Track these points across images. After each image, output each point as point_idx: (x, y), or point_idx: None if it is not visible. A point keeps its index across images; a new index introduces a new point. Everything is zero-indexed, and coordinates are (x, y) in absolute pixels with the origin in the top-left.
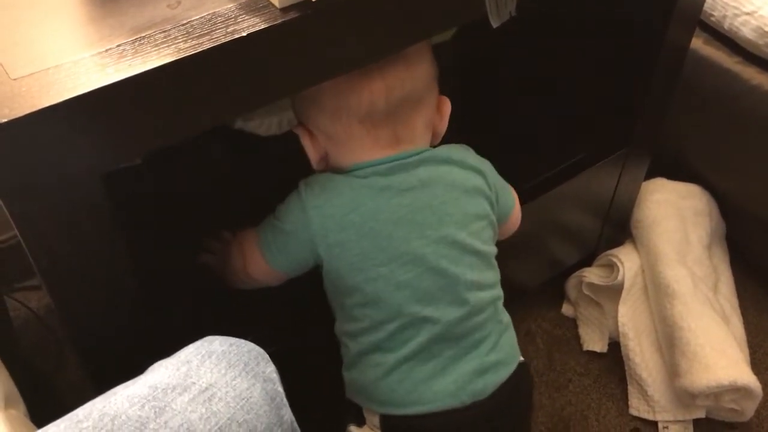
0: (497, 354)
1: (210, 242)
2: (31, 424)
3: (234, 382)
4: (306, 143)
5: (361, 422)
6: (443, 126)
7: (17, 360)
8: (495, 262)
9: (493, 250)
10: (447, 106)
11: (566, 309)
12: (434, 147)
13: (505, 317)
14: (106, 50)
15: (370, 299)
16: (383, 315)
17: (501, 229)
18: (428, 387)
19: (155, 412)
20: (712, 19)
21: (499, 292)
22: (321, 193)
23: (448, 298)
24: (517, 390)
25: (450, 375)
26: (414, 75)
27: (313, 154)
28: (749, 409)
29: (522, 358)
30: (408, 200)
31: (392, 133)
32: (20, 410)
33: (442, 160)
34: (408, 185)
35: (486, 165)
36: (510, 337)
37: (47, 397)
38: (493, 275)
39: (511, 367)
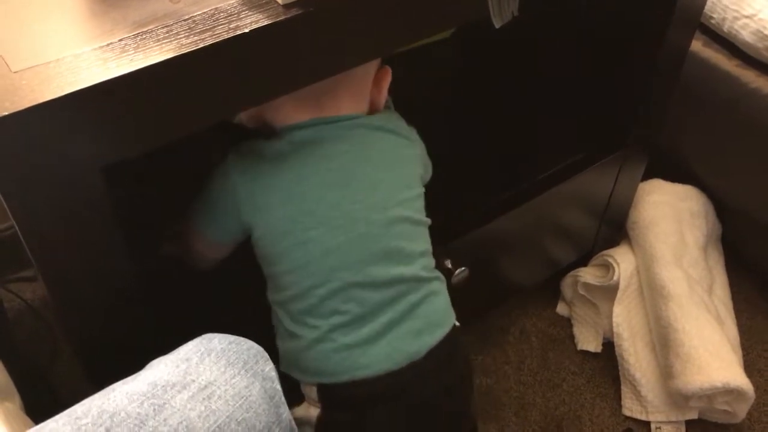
0: (433, 316)
1: (170, 230)
2: (26, 418)
3: (233, 381)
4: None
5: (300, 400)
6: (382, 98)
7: (12, 352)
8: (426, 232)
9: (425, 219)
10: (386, 79)
11: (561, 308)
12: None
13: (438, 283)
14: (108, 44)
15: (298, 264)
16: (313, 280)
17: None
18: (363, 352)
19: (154, 409)
20: (712, 21)
21: (429, 259)
22: (247, 158)
23: (380, 264)
24: (453, 350)
25: (384, 338)
26: None
27: (242, 113)
28: (742, 410)
29: (457, 323)
30: (338, 164)
31: (315, 101)
32: (15, 403)
33: (376, 126)
34: (339, 150)
35: (415, 135)
36: (444, 300)
37: (42, 390)
38: (424, 242)
39: (447, 329)
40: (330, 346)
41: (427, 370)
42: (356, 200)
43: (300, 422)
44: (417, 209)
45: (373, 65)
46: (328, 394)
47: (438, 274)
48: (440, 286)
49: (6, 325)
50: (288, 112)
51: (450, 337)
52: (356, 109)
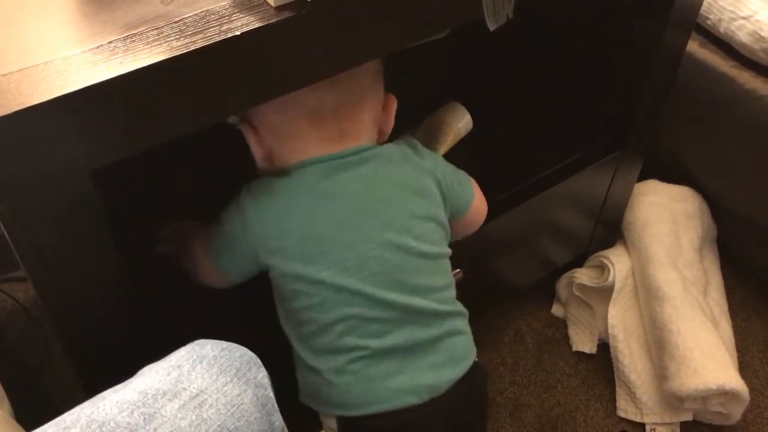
0: (453, 350)
1: (162, 233)
2: (16, 424)
3: (225, 389)
4: (250, 140)
5: (317, 428)
6: (389, 125)
7: (3, 354)
8: (446, 264)
9: (444, 251)
10: (393, 105)
11: (556, 309)
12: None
13: (460, 319)
14: (98, 47)
15: (315, 303)
16: (329, 317)
17: (457, 225)
18: (384, 385)
19: (145, 419)
20: (708, 22)
21: (450, 293)
22: (260, 198)
23: (398, 301)
24: (473, 385)
25: (405, 372)
26: (360, 67)
27: (257, 151)
28: (736, 412)
29: (476, 359)
30: (350, 203)
31: (338, 129)
32: (5, 409)
33: (387, 158)
34: (350, 188)
35: (435, 161)
36: (466, 334)
37: (33, 393)
38: (443, 278)
39: (468, 363)
40: (351, 379)
41: (447, 405)
42: (370, 239)
43: None
44: (434, 241)
45: (381, 86)
46: (349, 426)
47: (460, 308)
48: (462, 323)
49: None
50: (310, 143)
51: (470, 372)
52: (373, 133)
